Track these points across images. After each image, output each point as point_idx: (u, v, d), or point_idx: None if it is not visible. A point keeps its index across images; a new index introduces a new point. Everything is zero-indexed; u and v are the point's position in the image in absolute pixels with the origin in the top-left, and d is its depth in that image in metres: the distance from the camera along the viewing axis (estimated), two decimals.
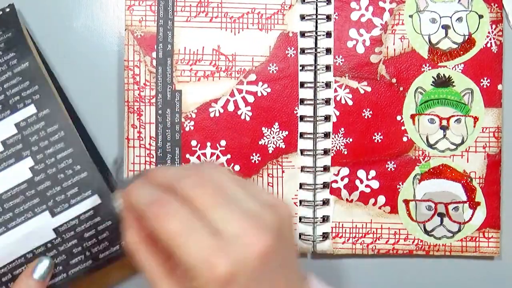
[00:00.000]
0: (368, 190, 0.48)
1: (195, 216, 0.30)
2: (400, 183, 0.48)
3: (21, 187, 0.45)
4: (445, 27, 0.48)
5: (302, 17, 0.48)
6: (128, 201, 0.33)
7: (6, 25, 0.47)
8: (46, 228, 0.45)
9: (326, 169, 0.48)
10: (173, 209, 0.30)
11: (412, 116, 0.48)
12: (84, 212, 0.45)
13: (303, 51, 0.48)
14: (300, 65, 0.48)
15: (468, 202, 0.48)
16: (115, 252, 0.46)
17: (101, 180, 0.45)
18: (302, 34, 0.48)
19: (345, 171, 0.48)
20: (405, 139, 0.48)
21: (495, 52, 0.48)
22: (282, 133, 0.48)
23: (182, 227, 0.30)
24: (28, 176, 0.45)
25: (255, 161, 0.48)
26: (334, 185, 0.48)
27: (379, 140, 0.48)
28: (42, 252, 0.45)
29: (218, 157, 0.47)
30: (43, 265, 0.44)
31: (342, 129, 0.48)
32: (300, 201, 0.48)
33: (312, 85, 0.48)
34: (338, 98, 0.48)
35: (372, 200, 0.48)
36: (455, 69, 0.48)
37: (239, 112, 0.47)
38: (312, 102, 0.48)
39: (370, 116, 0.48)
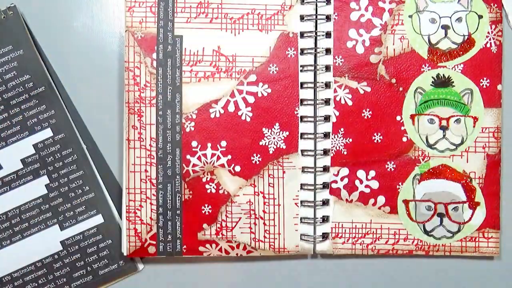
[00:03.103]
0: (367, 190, 0.48)
1: None
2: (400, 183, 0.48)
3: (37, 201, 0.49)
4: (445, 27, 0.48)
5: (302, 18, 0.48)
6: None
7: (11, 30, 0.47)
8: (54, 240, 0.49)
9: (325, 169, 0.48)
10: None
11: (412, 116, 0.48)
12: (88, 229, 0.49)
13: (302, 51, 0.48)
14: (300, 66, 0.48)
15: (467, 202, 0.48)
16: (114, 270, 0.49)
17: (106, 202, 0.49)
18: (302, 35, 0.48)
19: (344, 171, 0.48)
20: (404, 139, 0.48)
21: (494, 52, 0.48)
22: (282, 133, 0.48)
23: None
24: (44, 192, 0.49)
25: (255, 161, 0.48)
26: (333, 185, 0.48)
27: (379, 141, 0.48)
28: (49, 262, 0.48)
29: (218, 157, 0.48)
30: None
31: (342, 129, 0.48)
32: (301, 202, 0.48)
33: (312, 85, 0.48)
34: (337, 99, 0.48)
35: (371, 200, 0.48)
36: (455, 69, 0.48)
37: (239, 113, 0.48)
38: (312, 103, 0.48)
39: (369, 116, 0.48)
